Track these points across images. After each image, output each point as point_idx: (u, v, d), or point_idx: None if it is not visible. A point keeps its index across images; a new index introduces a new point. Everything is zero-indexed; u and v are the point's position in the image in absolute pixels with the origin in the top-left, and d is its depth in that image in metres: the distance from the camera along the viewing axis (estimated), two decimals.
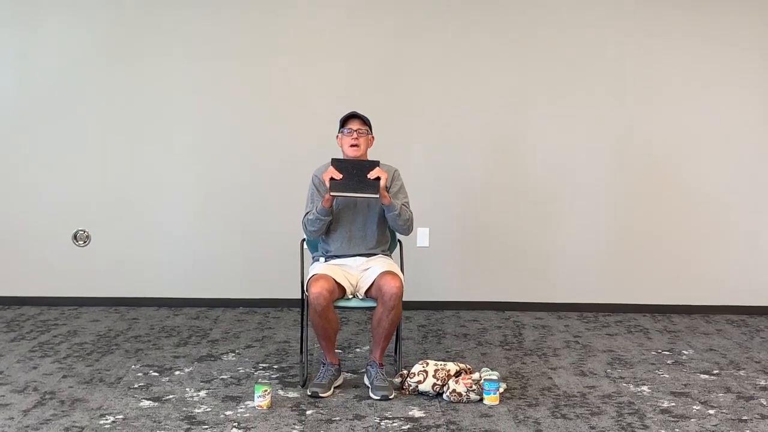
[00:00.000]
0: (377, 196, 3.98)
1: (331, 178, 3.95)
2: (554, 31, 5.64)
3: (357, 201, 4.14)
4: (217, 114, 5.65)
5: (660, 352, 4.79)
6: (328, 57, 5.64)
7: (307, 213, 4.15)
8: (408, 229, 4.18)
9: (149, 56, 5.59)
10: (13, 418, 3.57)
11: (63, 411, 3.66)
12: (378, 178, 3.95)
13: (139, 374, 4.20)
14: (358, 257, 4.16)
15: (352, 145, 4.14)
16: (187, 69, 5.61)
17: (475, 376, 3.91)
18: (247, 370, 4.31)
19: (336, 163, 4.01)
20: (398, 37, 5.64)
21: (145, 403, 3.77)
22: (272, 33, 5.61)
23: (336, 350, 4.19)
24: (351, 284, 4.07)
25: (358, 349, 4.74)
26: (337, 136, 4.24)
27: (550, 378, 4.25)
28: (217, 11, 5.58)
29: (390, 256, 4.30)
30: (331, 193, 3.98)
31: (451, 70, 5.64)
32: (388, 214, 4.09)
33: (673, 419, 3.69)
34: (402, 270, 4.18)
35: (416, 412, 3.72)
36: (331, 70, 5.63)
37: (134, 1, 5.55)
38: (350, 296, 4.08)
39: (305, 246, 4.42)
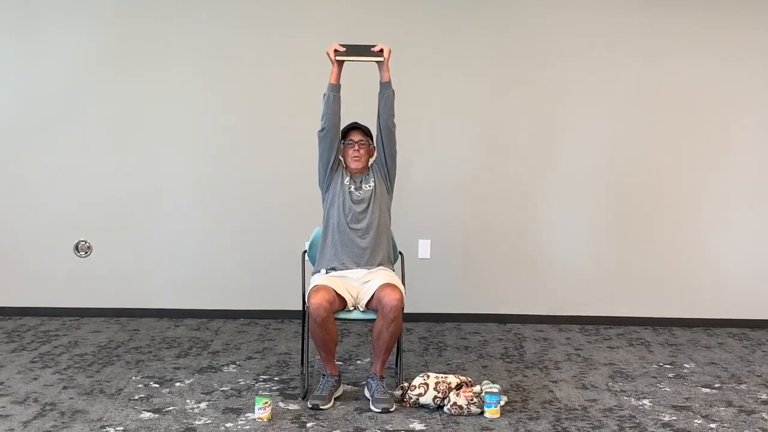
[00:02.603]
0: (382, 59, 4.08)
1: (336, 50, 4.08)
2: (552, 41, 5.65)
3: (356, 213, 4.15)
4: (219, 125, 5.66)
5: (661, 366, 4.78)
6: (328, 70, 5.64)
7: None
8: (393, 112, 4.21)
9: (150, 66, 5.60)
10: (13, 429, 3.57)
11: (63, 422, 3.65)
12: (381, 51, 4.08)
13: (140, 386, 4.19)
14: (358, 269, 4.16)
15: (354, 158, 4.17)
16: (189, 79, 5.63)
17: (476, 388, 3.90)
18: (248, 381, 4.31)
19: (339, 44, 4.12)
20: (398, 47, 5.64)
21: (146, 415, 3.76)
22: (275, 44, 5.62)
23: (336, 362, 4.18)
24: (352, 296, 4.07)
25: (359, 362, 4.73)
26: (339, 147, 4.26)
27: (551, 391, 4.25)
28: (220, 21, 5.59)
29: (392, 268, 4.30)
30: (337, 59, 4.07)
31: (450, 81, 5.66)
32: (385, 91, 4.15)
33: None
34: (403, 282, 4.18)
35: (417, 425, 3.71)
36: None
37: (135, 10, 5.57)
38: (351, 308, 4.08)
39: (306, 257, 4.42)
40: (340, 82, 4.14)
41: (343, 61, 4.12)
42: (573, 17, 5.65)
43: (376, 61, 4.11)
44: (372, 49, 4.11)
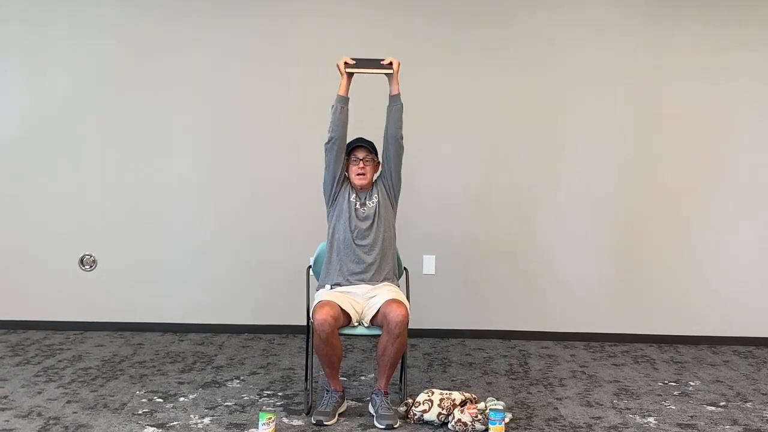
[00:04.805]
0: (392, 71, 4.14)
1: (346, 63, 4.13)
2: (556, 59, 5.67)
3: (361, 230, 4.16)
4: (225, 140, 5.68)
5: (666, 383, 4.76)
6: (333, 86, 5.66)
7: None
8: (402, 125, 4.22)
9: (155, 81, 5.63)
10: None
11: None
12: (391, 63, 4.14)
13: (144, 400, 4.19)
14: (363, 285, 4.16)
15: (358, 174, 4.18)
16: (194, 95, 5.65)
17: (481, 405, 3.89)
18: (252, 396, 4.30)
19: (349, 57, 4.19)
20: (402, 63, 5.65)
21: (149, 430, 3.75)
22: (284, 59, 5.65)
23: (341, 378, 4.17)
24: (356, 312, 4.07)
25: (363, 377, 4.72)
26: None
27: (556, 408, 4.23)
28: (228, 32, 5.62)
29: (396, 283, 4.30)
30: (346, 71, 4.13)
31: (455, 94, 5.67)
32: (394, 104, 4.18)
33: None
34: (408, 298, 4.18)
35: None
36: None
37: (143, 23, 5.60)
38: (356, 324, 4.08)
39: (311, 273, 4.43)
40: (349, 95, 4.17)
41: (353, 73, 4.17)
42: (577, 36, 5.66)
43: (386, 74, 4.17)
44: (381, 62, 4.17)
